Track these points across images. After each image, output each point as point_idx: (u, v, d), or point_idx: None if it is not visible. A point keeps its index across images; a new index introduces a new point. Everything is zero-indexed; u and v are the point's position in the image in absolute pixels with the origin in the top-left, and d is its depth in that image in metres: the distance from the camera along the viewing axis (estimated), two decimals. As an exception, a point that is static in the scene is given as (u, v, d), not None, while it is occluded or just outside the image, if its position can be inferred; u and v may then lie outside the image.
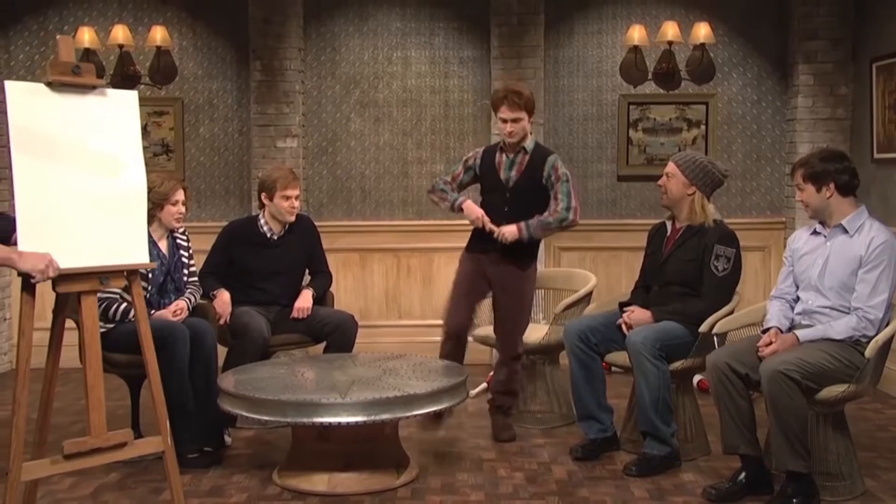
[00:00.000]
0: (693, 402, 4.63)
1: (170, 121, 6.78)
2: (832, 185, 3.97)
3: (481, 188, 4.95)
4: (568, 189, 4.73)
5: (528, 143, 4.83)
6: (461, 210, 4.81)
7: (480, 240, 4.82)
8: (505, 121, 4.74)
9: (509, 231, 4.68)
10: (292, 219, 5.15)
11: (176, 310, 4.62)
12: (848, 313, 3.90)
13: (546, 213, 4.74)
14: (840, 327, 3.87)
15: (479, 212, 4.78)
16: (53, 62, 3.40)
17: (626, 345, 4.35)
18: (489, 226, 4.72)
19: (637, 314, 4.51)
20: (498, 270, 4.79)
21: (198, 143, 6.86)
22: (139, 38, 6.65)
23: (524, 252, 4.81)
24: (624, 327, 4.51)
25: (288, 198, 5.09)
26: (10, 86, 3.31)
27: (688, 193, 4.51)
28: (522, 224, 4.69)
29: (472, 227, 4.88)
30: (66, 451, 3.31)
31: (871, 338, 3.85)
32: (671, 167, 4.54)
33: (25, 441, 3.31)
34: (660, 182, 4.61)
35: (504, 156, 4.84)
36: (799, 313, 4.08)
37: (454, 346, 4.81)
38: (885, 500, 3.96)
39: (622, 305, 4.68)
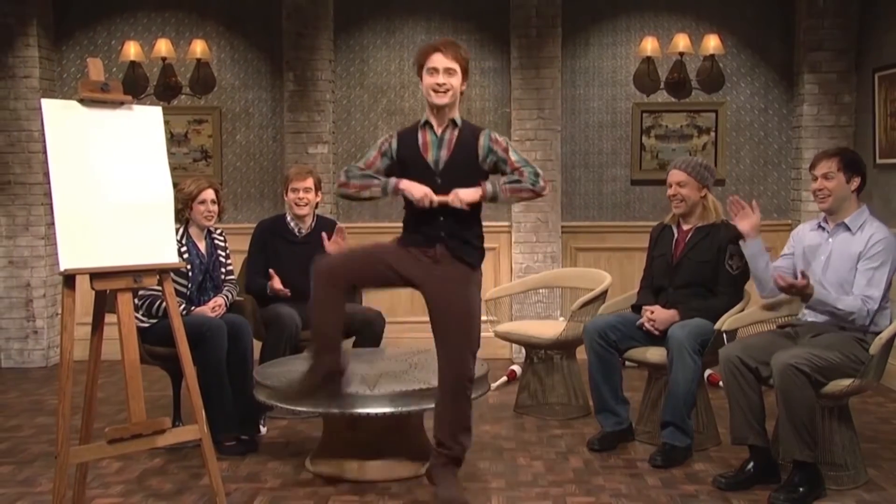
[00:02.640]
0: (704, 394, 4.58)
1: (208, 128, 6.80)
2: (859, 179, 3.96)
3: (403, 176, 3.73)
4: (523, 156, 3.75)
5: (457, 116, 3.75)
6: (397, 192, 3.69)
7: (421, 231, 3.71)
8: (435, 70, 3.64)
9: (468, 193, 3.62)
10: (300, 211, 5.08)
11: (214, 306, 4.62)
12: None
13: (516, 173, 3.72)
14: (847, 301, 3.86)
15: (424, 188, 3.62)
16: (84, 81, 3.51)
17: (667, 339, 4.28)
18: (440, 199, 3.61)
19: (660, 314, 4.45)
20: (443, 272, 3.68)
21: (234, 150, 6.88)
22: (180, 51, 6.69)
23: (476, 247, 3.77)
24: (648, 325, 4.44)
25: (295, 190, 5.06)
26: (46, 103, 3.42)
27: (701, 196, 4.48)
28: (486, 182, 3.67)
29: (406, 218, 3.82)
30: (108, 437, 3.34)
31: (864, 329, 3.85)
32: (681, 175, 4.48)
33: (73, 428, 3.32)
34: (672, 193, 4.52)
35: (429, 134, 3.74)
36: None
37: (325, 282, 3.68)
38: (887, 489, 3.91)
39: (634, 307, 4.64)
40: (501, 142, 3.73)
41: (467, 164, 3.69)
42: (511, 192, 3.68)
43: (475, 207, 3.70)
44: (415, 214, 3.72)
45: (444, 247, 3.68)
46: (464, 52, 3.71)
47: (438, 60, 3.64)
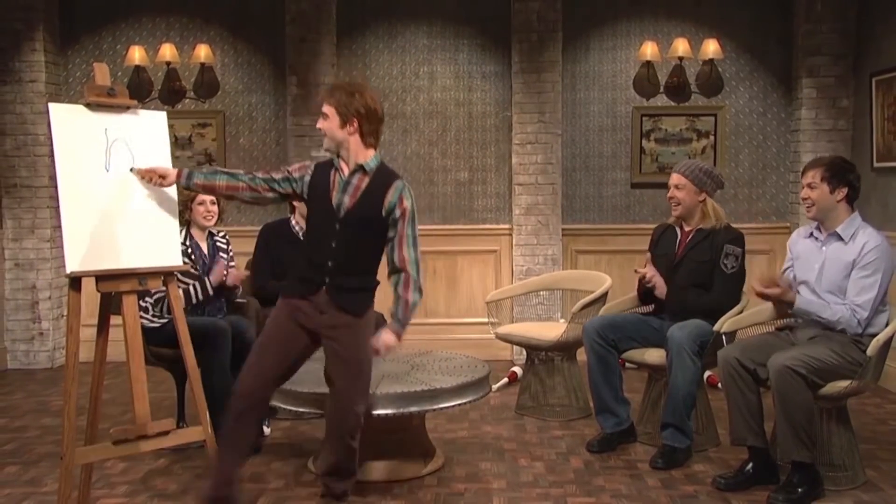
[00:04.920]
0: (704, 396, 4.58)
1: (212, 132, 6.81)
2: (845, 190, 3.93)
3: (308, 211, 3.66)
4: (415, 234, 3.55)
5: (370, 161, 3.52)
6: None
7: (304, 278, 3.56)
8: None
9: (388, 343, 3.56)
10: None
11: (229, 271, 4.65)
12: None
13: (400, 286, 3.54)
14: (834, 309, 3.84)
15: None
16: (91, 85, 3.53)
17: (666, 338, 4.28)
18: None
19: (659, 279, 4.50)
20: (329, 319, 3.50)
21: (238, 153, 6.89)
22: (185, 56, 6.70)
23: (358, 291, 3.57)
24: (647, 271, 4.52)
25: None
26: (54, 107, 3.44)
27: (699, 200, 4.48)
28: (394, 327, 3.56)
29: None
30: (113, 438, 3.35)
31: (859, 335, 3.83)
32: (679, 179, 4.49)
33: (79, 429, 3.33)
34: (670, 195, 4.53)
35: (339, 175, 3.54)
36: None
37: (245, 408, 3.48)
38: (884, 490, 3.91)
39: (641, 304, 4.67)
40: (406, 205, 3.51)
41: (370, 216, 3.50)
42: (407, 316, 3.56)
43: (368, 249, 3.55)
44: (306, 258, 3.58)
45: (326, 294, 3.50)
46: (341, 96, 3.47)
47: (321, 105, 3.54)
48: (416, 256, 3.55)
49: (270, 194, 3.63)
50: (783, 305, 4.07)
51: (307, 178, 3.58)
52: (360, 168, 3.51)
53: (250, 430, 3.54)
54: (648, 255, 4.66)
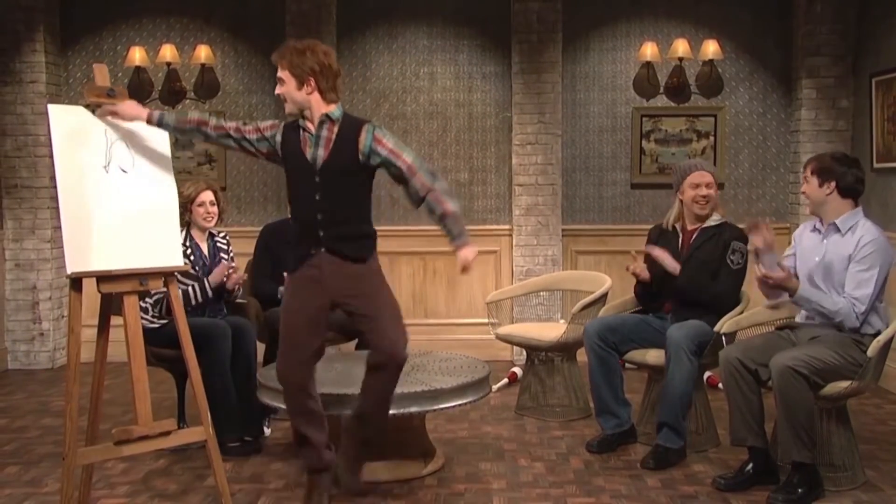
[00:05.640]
0: (704, 396, 4.59)
1: (213, 133, 6.80)
2: (833, 184, 3.94)
3: (286, 172, 3.66)
4: (414, 154, 3.53)
5: (333, 111, 3.50)
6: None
7: (301, 242, 3.58)
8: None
9: (471, 253, 3.62)
10: None
11: (229, 271, 4.66)
12: None
13: (435, 206, 3.53)
14: (835, 300, 3.86)
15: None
16: (90, 86, 3.53)
17: (666, 338, 4.28)
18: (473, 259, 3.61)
19: (666, 256, 4.49)
20: (335, 284, 3.53)
21: (238, 154, 6.83)
22: (185, 56, 6.70)
23: (357, 238, 3.58)
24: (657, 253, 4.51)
25: None
26: (53, 108, 3.44)
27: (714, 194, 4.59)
28: (459, 242, 3.61)
29: None
30: (115, 439, 3.35)
31: (858, 335, 3.84)
32: (709, 177, 4.53)
33: (80, 429, 3.33)
34: (704, 194, 4.49)
35: (306, 132, 3.53)
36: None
37: (300, 392, 3.61)
38: (884, 490, 3.92)
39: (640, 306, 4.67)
40: (386, 141, 3.48)
41: (347, 163, 3.48)
42: (460, 225, 3.60)
43: (353, 197, 3.53)
44: (297, 221, 3.62)
45: (324, 249, 3.52)
46: (292, 57, 3.46)
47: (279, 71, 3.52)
48: (424, 165, 3.53)
49: (246, 146, 3.63)
50: (775, 300, 4.12)
51: (278, 138, 3.57)
52: (327, 118, 3.49)
53: (316, 403, 3.64)
54: (635, 252, 4.64)
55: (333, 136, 3.49)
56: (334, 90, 3.52)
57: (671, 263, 4.46)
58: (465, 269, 3.59)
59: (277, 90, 3.52)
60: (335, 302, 3.58)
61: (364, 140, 3.47)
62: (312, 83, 3.45)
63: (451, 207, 3.55)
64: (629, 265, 4.62)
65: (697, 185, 4.51)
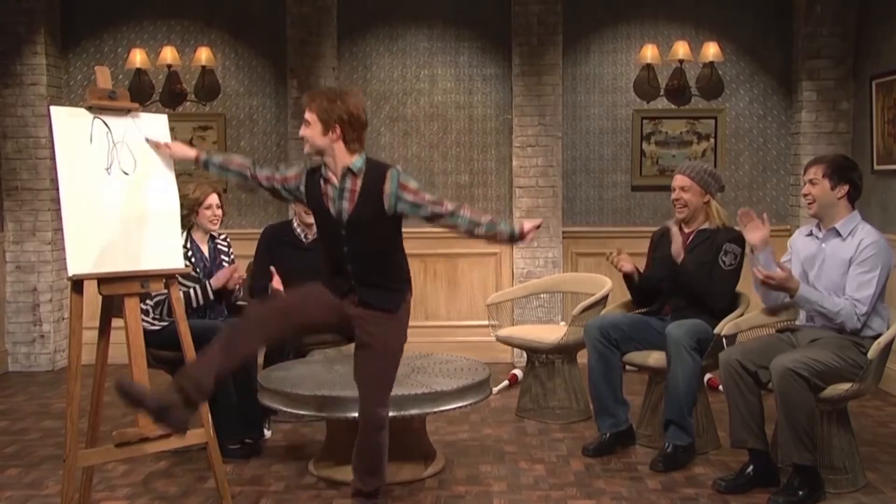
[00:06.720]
0: (704, 398, 4.59)
1: (213, 135, 6.82)
2: (847, 187, 3.95)
3: (314, 217, 3.68)
4: (435, 196, 3.46)
5: (355, 162, 3.43)
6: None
7: (332, 283, 3.54)
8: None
9: (529, 227, 3.48)
10: (308, 219, 5.01)
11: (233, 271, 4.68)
12: None
13: (480, 221, 3.45)
14: (836, 301, 3.86)
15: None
16: (92, 89, 3.53)
17: (665, 336, 4.28)
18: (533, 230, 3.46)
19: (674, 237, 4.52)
20: (359, 312, 3.50)
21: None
22: (186, 59, 6.70)
23: (389, 289, 3.54)
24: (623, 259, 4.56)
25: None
26: (55, 111, 3.45)
27: (703, 202, 4.50)
28: (511, 226, 3.49)
29: None
30: (116, 441, 3.35)
31: (859, 336, 3.85)
32: (684, 180, 4.50)
33: (80, 431, 3.33)
34: (675, 196, 4.53)
35: (328, 184, 3.46)
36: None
37: (264, 323, 3.46)
38: (885, 492, 3.92)
39: (637, 308, 4.67)
40: (411, 186, 3.41)
41: (373, 215, 3.41)
42: (494, 221, 3.48)
43: (383, 244, 3.50)
44: (326, 263, 3.56)
45: (355, 298, 3.48)
46: (322, 102, 3.39)
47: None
48: (450, 208, 3.44)
49: (280, 195, 3.66)
50: (773, 303, 4.12)
51: (302, 189, 3.54)
52: (349, 171, 3.42)
53: (251, 346, 3.46)
54: (616, 251, 4.63)
55: (358, 188, 3.41)
56: (359, 141, 3.46)
57: (677, 248, 4.48)
58: (524, 235, 3.47)
59: (302, 132, 3.44)
60: (352, 319, 3.53)
61: (389, 188, 3.40)
62: (338, 131, 3.39)
63: (486, 216, 3.49)
64: (609, 253, 4.61)
65: (674, 188, 4.54)
